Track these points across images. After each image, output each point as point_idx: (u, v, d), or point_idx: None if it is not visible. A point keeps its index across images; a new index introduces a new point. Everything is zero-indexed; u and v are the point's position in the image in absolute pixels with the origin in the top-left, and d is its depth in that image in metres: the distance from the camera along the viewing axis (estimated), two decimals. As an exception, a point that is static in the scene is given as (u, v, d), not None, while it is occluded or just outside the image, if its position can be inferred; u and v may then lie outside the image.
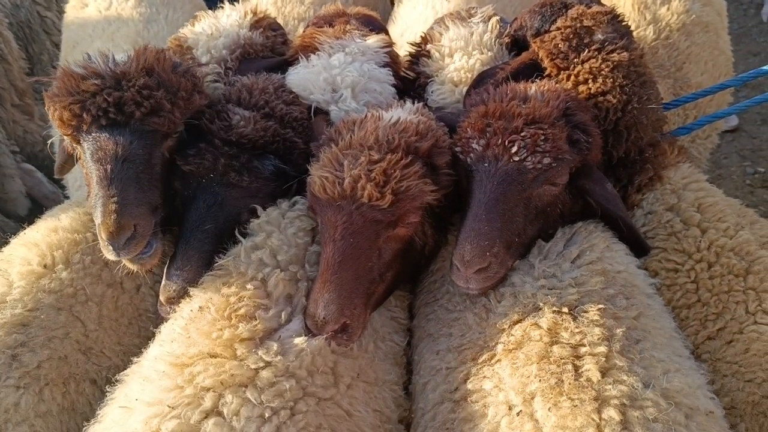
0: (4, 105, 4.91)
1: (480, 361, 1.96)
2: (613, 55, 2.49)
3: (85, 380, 2.20)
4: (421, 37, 3.00)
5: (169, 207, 2.34)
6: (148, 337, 2.16)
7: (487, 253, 2.02)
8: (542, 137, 2.12)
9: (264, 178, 2.32)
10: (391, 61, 2.77)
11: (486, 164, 2.13)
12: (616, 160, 2.52)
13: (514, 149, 2.10)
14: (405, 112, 2.31)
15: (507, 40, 2.88)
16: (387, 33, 3.10)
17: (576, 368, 1.80)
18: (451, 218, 2.38)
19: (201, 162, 2.27)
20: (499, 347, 1.94)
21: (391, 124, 2.20)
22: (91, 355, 2.23)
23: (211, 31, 2.90)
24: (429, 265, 2.40)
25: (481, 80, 2.63)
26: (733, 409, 2.08)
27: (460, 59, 2.76)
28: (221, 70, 2.79)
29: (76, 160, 2.43)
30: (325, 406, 1.80)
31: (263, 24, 3.05)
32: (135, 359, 1.99)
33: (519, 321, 1.97)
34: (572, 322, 1.91)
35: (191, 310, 1.99)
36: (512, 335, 1.95)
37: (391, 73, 2.70)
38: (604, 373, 1.77)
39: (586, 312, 1.94)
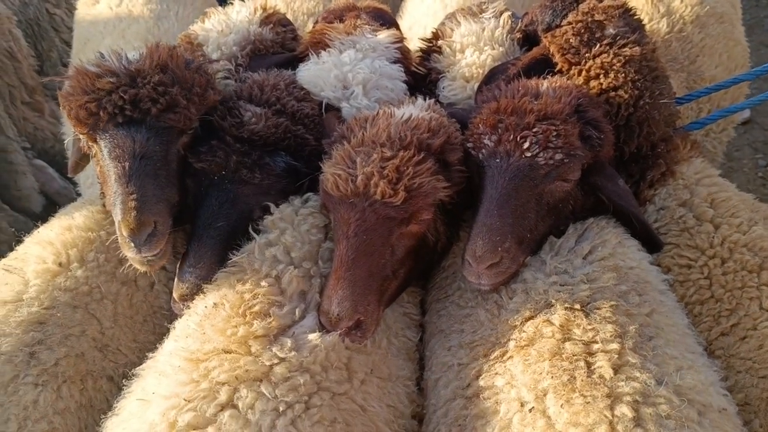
0: (15, 102, 4.94)
1: (492, 357, 1.96)
2: (624, 49, 2.47)
3: (102, 377, 2.22)
4: (432, 32, 3.00)
5: (183, 205, 2.36)
6: (162, 334, 2.18)
7: (499, 249, 2.02)
8: (554, 133, 2.11)
9: (276, 175, 2.32)
10: (402, 56, 2.77)
11: (498, 160, 2.13)
12: (628, 155, 2.51)
13: (526, 145, 2.10)
14: (417, 109, 2.31)
15: (518, 35, 2.87)
16: (398, 27, 3.10)
17: (588, 365, 1.80)
18: (463, 215, 2.38)
19: (213, 159, 2.28)
20: (511, 344, 1.95)
21: (403, 120, 2.20)
22: (107, 353, 2.25)
23: (221, 27, 2.91)
24: (441, 262, 2.41)
25: (492, 76, 2.63)
26: (747, 405, 2.07)
27: (471, 55, 2.76)
28: (232, 66, 2.81)
29: (92, 158, 2.45)
30: (339, 400, 1.82)
31: (273, 20, 3.05)
32: (150, 355, 2.02)
33: (531, 317, 1.98)
34: (584, 319, 1.91)
35: (206, 307, 2.00)
36: (524, 332, 1.95)
37: (402, 69, 2.70)
38: (616, 370, 1.77)
39: (598, 309, 1.94)
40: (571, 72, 2.53)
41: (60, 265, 2.32)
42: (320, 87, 2.60)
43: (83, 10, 4.14)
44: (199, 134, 2.37)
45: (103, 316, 2.28)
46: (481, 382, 1.93)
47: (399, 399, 2.05)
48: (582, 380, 1.76)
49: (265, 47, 2.93)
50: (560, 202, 2.21)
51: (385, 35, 2.74)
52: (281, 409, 1.69)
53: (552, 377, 1.79)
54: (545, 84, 2.34)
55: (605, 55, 2.48)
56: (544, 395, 1.77)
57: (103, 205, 2.50)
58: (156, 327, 2.39)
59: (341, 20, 2.90)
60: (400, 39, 2.83)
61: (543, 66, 2.59)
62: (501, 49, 2.79)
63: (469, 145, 2.24)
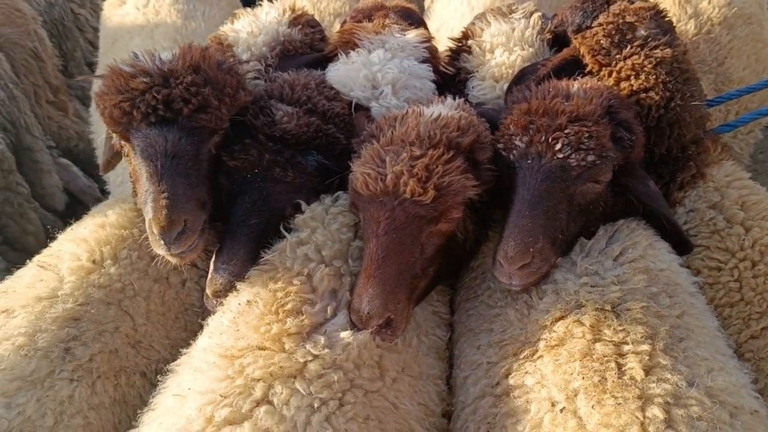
0: (40, 102, 4.99)
1: (521, 356, 1.98)
2: (656, 51, 2.47)
3: (135, 373, 2.25)
4: (462, 32, 3.01)
5: (214, 203, 2.38)
6: (194, 331, 2.22)
7: (531, 250, 2.03)
8: (586, 135, 2.12)
9: (307, 173, 2.35)
10: (431, 56, 2.79)
11: (529, 161, 2.14)
12: (658, 157, 2.51)
13: (558, 146, 2.11)
14: (446, 108, 2.32)
15: (548, 36, 2.88)
16: (425, 26, 3.12)
17: (619, 366, 1.81)
18: (492, 214, 2.39)
19: (246, 157, 2.31)
20: (541, 343, 1.96)
21: (433, 119, 2.21)
22: (140, 349, 2.29)
23: (251, 28, 2.94)
24: (470, 261, 2.42)
25: (522, 76, 2.64)
26: (778, 409, 2.07)
27: (501, 55, 2.77)
28: (262, 67, 2.84)
29: (124, 157, 2.48)
30: (372, 398, 1.84)
31: (302, 21, 3.08)
32: (183, 351, 2.05)
33: (561, 318, 1.99)
34: (615, 320, 1.92)
35: (239, 304, 2.03)
36: (554, 332, 1.96)
37: (430, 68, 2.72)
38: (647, 371, 1.78)
39: (629, 310, 1.94)
40: (602, 73, 2.54)
41: (94, 262, 2.36)
42: (350, 87, 2.63)
43: (110, 10, 4.20)
44: (231, 134, 2.40)
45: (136, 313, 2.31)
46: (511, 381, 1.94)
47: (430, 397, 2.06)
48: (613, 381, 1.77)
49: (294, 48, 2.96)
50: (591, 203, 2.22)
51: (413, 34, 2.76)
52: (316, 405, 1.72)
53: (583, 378, 1.80)
54: (576, 85, 2.34)
55: (636, 56, 2.49)
56: (575, 396, 1.78)
57: (136, 203, 2.54)
58: (188, 324, 2.42)
59: (370, 19, 2.93)
60: (429, 38, 2.85)
61: (573, 67, 2.60)
62: (531, 49, 2.80)
63: (500, 145, 2.24)
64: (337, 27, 3.45)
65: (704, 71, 3.29)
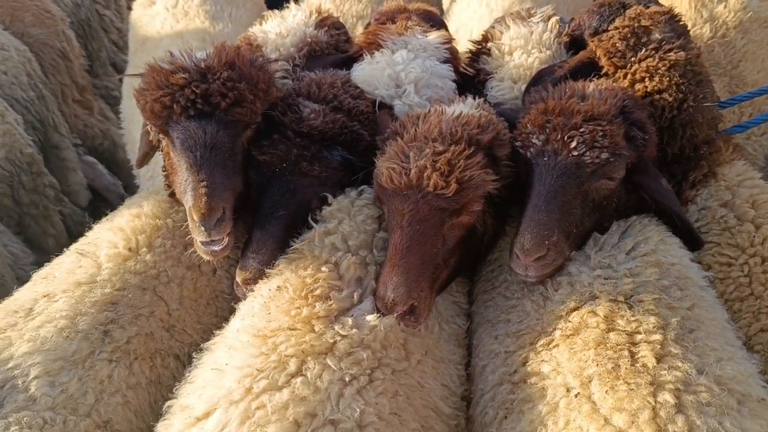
0: (66, 101, 5.13)
1: (538, 345, 2.07)
2: (670, 54, 2.56)
3: (169, 356, 2.36)
4: (482, 35, 3.11)
5: (244, 196, 2.49)
6: (224, 317, 2.33)
7: (546, 242, 2.13)
8: (600, 133, 2.20)
9: (333, 167, 2.46)
10: (452, 56, 2.89)
11: (546, 158, 2.24)
12: (671, 156, 2.59)
13: (573, 144, 2.20)
14: (467, 107, 2.43)
15: (565, 39, 2.97)
16: (446, 28, 3.21)
17: (632, 354, 1.89)
18: (509, 210, 2.48)
19: (275, 152, 2.42)
20: (557, 333, 2.05)
21: (454, 117, 2.31)
22: (174, 333, 2.40)
23: (279, 30, 3.06)
24: (488, 255, 2.51)
25: (539, 78, 2.73)
26: (786, 400, 2.15)
27: (519, 57, 2.87)
28: (289, 66, 2.95)
29: (160, 151, 2.60)
30: (399, 376, 1.95)
31: (328, 23, 3.20)
32: (216, 332, 2.17)
33: (576, 308, 2.08)
34: (628, 311, 2.00)
35: (269, 290, 2.14)
36: (569, 322, 2.05)
37: (451, 68, 2.82)
38: (659, 359, 1.86)
39: (641, 301, 2.03)
40: (617, 75, 2.62)
41: (130, 250, 2.48)
42: (374, 85, 2.73)
43: (139, 10, 4.33)
44: (262, 129, 2.51)
45: (169, 299, 2.43)
46: (528, 369, 2.03)
47: (451, 379, 2.17)
48: (626, 368, 1.85)
49: (320, 48, 3.07)
50: (605, 199, 2.30)
51: (435, 36, 2.87)
52: (347, 379, 1.84)
53: (597, 365, 1.89)
54: (591, 86, 2.43)
55: (651, 59, 2.57)
56: (590, 382, 1.87)
57: (169, 195, 2.65)
58: (218, 310, 2.53)
59: (393, 21, 3.03)
60: (449, 40, 2.95)
61: (589, 69, 2.69)
62: (548, 52, 2.89)
63: (518, 143, 2.34)
64: (360, 29, 3.56)
65: (718, 74, 3.36)
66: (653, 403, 1.75)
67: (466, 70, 2.97)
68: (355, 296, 2.11)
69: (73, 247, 2.61)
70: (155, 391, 2.29)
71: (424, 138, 2.24)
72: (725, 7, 3.53)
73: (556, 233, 2.16)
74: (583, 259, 2.24)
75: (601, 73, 2.67)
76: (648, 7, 2.75)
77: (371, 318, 2.02)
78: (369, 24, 3.22)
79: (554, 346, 2.02)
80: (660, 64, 2.54)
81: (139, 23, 4.25)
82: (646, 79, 2.55)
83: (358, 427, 1.77)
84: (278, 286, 2.14)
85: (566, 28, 3.00)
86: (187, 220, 2.40)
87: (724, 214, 2.48)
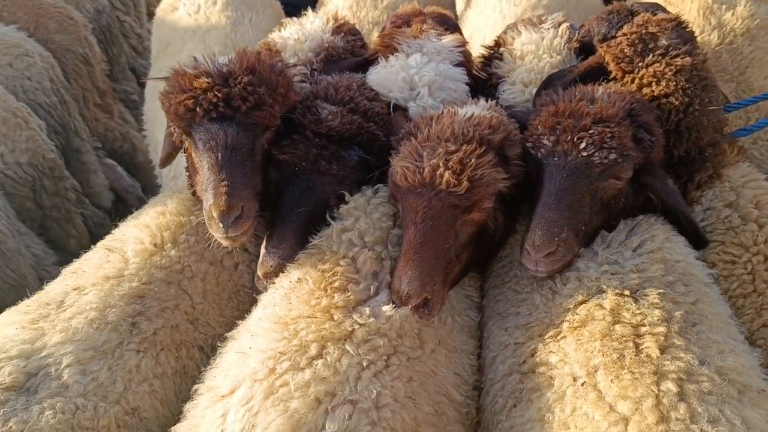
0: (88, 105, 5.24)
1: (546, 337, 2.15)
2: (676, 59, 2.64)
3: (193, 347, 2.46)
4: (494, 40, 3.21)
5: (263, 194, 2.60)
6: (246, 311, 2.42)
7: (556, 239, 2.21)
8: (609, 135, 2.29)
9: (350, 166, 2.56)
10: (465, 60, 2.99)
11: (556, 158, 2.32)
12: (677, 158, 2.66)
13: (583, 145, 2.29)
14: (479, 108, 2.52)
15: (575, 45, 3.05)
16: (460, 32, 3.31)
17: (636, 345, 1.97)
18: (519, 208, 2.57)
19: (295, 152, 2.53)
20: (565, 325, 2.13)
21: (466, 118, 2.41)
22: (198, 325, 2.50)
23: (298, 35, 3.17)
24: (498, 251, 2.60)
25: (550, 82, 2.81)
26: (786, 391, 2.22)
27: (530, 61, 2.96)
28: (307, 71, 3.06)
29: (183, 151, 2.72)
30: (413, 363, 2.05)
31: (344, 29, 3.31)
32: (239, 322, 2.28)
33: (583, 302, 2.16)
34: (633, 304, 2.08)
35: (290, 282, 2.25)
36: (577, 314, 2.13)
37: (464, 71, 2.92)
38: (662, 350, 1.94)
39: (646, 295, 2.11)
40: (625, 80, 2.71)
41: (155, 245, 2.58)
42: (389, 88, 2.83)
43: (162, 16, 4.46)
44: (282, 130, 2.62)
45: (194, 293, 2.53)
46: (537, 359, 2.11)
47: (464, 369, 2.26)
48: (630, 358, 1.93)
49: (337, 54, 3.18)
50: (613, 198, 2.39)
51: (449, 39, 2.96)
52: (365, 364, 1.94)
53: (603, 355, 1.97)
54: (600, 90, 2.52)
55: (658, 64, 2.65)
56: (595, 371, 1.95)
57: (192, 194, 2.76)
58: (240, 304, 2.63)
59: (408, 25, 3.13)
60: (463, 43, 3.05)
61: (598, 74, 2.77)
62: (558, 57, 2.97)
63: (529, 144, 2.43)
64: (375, 35, 3.66)
65: (726, 80, 3.43)
66: (656, 392, 1.83)
67: (479, 73, 3.07)
68: (371, 289, 2.20)
69: (101, 243, 2.71)
70: (180, 381, 2.39)
71: (437, 138, 2.33)
72: (733, 14, 3.61)
73: (566, 230, 2.25)
74: (591, 255, 2.32)
75: (610, 78, 2.75)
76: (655, 15, 2.83)
77: (387, 309, 2.12)
78: (385, 27, 3.31)
79: (562, 338, 2.11)
80: (666, 69, 2.62)
81: (162, 27, 4.38)
82: (653, 83, 2.63)
83: (374, 408, 1.87)
84: (298, 279, 2.24)
85: (576, 35, 3.09)
86: (210, 217, 2.50)
87: (729, 214, 2.55)
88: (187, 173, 2.79)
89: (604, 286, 2.16)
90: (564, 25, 3.09)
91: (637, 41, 2.72)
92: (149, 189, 5.45)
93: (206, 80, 2.45)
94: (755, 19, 3.59)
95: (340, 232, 2.37)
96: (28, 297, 2.48)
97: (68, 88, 4.74)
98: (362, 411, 1.85)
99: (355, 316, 2.07)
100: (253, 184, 2.46)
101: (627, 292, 2.13)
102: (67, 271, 2.60)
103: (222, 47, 3.67)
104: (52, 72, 4.52)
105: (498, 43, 3.16)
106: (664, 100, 2.60)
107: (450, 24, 3.25)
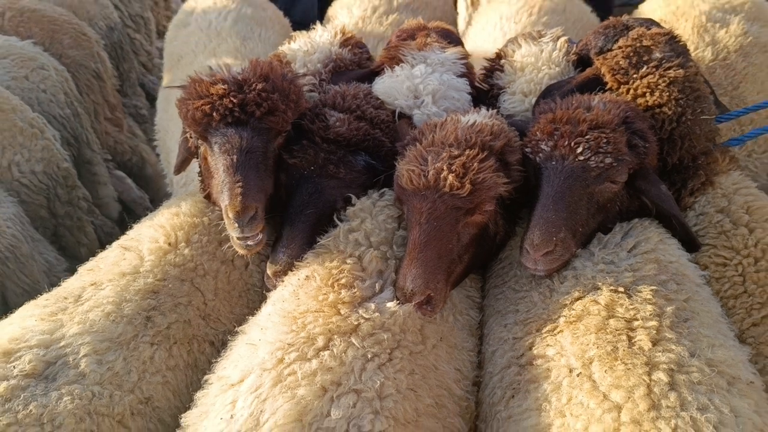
0: (99, 118, 5.35)
1: (544, 331, 2.24)
2: (669, 71, 2.75)
3: (205, 342, 2.55)
4: (496, 53, 3.34)
5: (275, 197, 2.70)
6: (255, 308, 2.50)
7: (554, 238, 2.31)
8: (605, 140, 2.40)
9: (357, 171, 2.67)
10: (467, 71, 3.12)
11: (554, 162, 2.43)
12: (671, 166, 2.77)
13: (580, 150, 2.39)
14: (480, 116, 2.63)
15: (573, 57, 3.18)
16: (463, 45, 3.44)
17: (630, 338, 2.05)
18: (519, 212, 2.68)
19: (304, 156, 2.64)
20: (561, 320, 2.22)
21: (469, 125, 2.52)
22: (209, 321, 2.59)
23: (307, 48, 3.31)
24: (498, 254, 2.70)
25: (548, 92, 2.93)
26: (775, 385, 2.31)
27: (530, 73, 3.08)
28: (316, 81, 3.19)
29: (198, 157, 2.83)
30: (416, 357, 2.13)
31: (351, 42, 3.45)
32: (249, 317, 2.37)
33: (579, 298, 2.25)
34: (627, 300, 2.18)
35: (298, 279, 2.35)
36: (573, 310, 2.22)
37: (467, 82, 3.04)
38: (654, 343, 2.02)
39: (639, 292, 2.20)
40: (620, 90, 2.82)
41: (170, 244, 2.68)
42: (394, 96, 2.95)
43: (175, 31, 4.61)
44: (292, 136, 2.74)
45: (206, 290, 2.62)
46: (534, 352, 2.20)
47: (464, 365, 2.34)
48: (624, 350, 2.01)
49: (344, 65, 3.31)
50: (608, 201, 2.49)
51: (452, 52, 3.09)
52: (369, 356, 2.02)
53: (597, 348, 2.06)
54: (596, 99, 2.63)
55: (651, 76, 2.77)
56: (590, 363, 2.03)
57: (205, 197, 2.87)
58: (249, 302, 2.72)
59: (413, 38, 3.26)
60: (466, 55, 3.17)
61: (595, 85, 2.88)
62: (557, 69, 3.10)
63: (528, 150, 2.53)
64: (380, 49, 3.80)
65: (720, 94, 3.54)
66: (648, 381, 1.91)
67: (480, 84, 3.19)
68: (376, 286, 2.30)
69: (116, 243, 2.82)
70: (192, 373, 2.47)
71: (441, 143, 2.44)
72: (726, 32, 3.75)
73: (563, 230, 2.34)
74: (588, 255, 2.42)
75: (606, 89, 2.87)
76: (649, 29, 2.96)
77: (391, 305, 2.21)
78: (390, 41, 3.45)
79: (559, 332, 2.19)
80: (660, 81, 2.74)
81: (174, 42, 4.52)
82: (647, 94, 2.74)
83: (378, 398, 1.95)
84: (306, 276, 2.34)
85: (574, 48, 3.22)
86: (221, 219, 2.61)
87: (720, 219, 2.65)
88: (200, 178, 2.91)
89: (600, 284, 2.26)
90: (562, 39, 3.22)
91: (632, 54, 2.84)
92: (157, 200, 5.56)
93: (222, 87, 2.57)
94: (748, 36, 3.73)
95: (347, 233, 2.47)
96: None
97: (81, 102, 4.86)
98: (366, 400, 1.94)
99: (360, 311, 2.16)
100: (266, 186, 2.56)
101: (621, 289, 2.22)
102: (83, 269, 2.70)
103: (232, 60, 3.80)
104: (66, 85, 4.64)
105: (499, 55, 3.30)
106: (657, 110, 2.72)
107: (453, 38, 3.38)
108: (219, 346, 2.56)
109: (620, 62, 2.85)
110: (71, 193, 4.20)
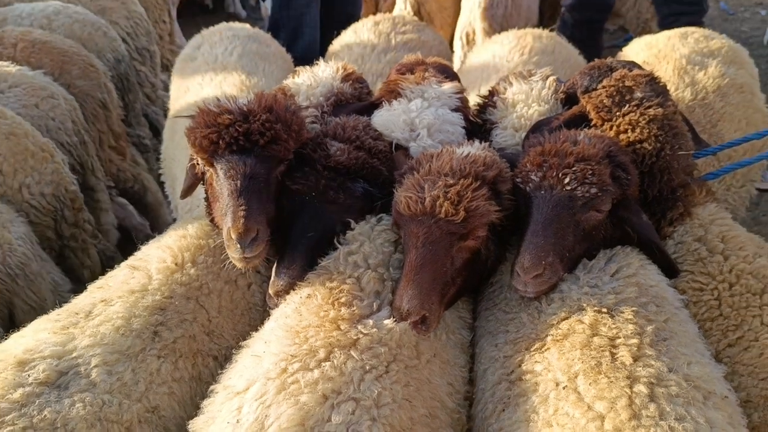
0: (103, 146, 5.45)
1: (532, 349, 2.36)
2: (649, 110, 2.94)
3: (208, 356, 2.67)
4: (489, 90, 3.53)
5: (277, 221, 2.85)
6: (256, 326, 2.62)
7: (543, 262, 2.46)
8: (590, 171, 2.56)
9: (356, 197, 2.81)
10: (462, 105, 3.28)
11: (543, 192, 2.59)
12: (652, 197, 2.92)
13: (567, 180, 2.55)
14: (474, 148, 2.79)
15: (561, 95, 3.36)
16: (459, 80, 3.64)
17: (612, 354, 2.19)
18: (509, 239, 2.83)
19: (306, 182, 2.79)
20: (549, 338, 2.35)
21: (463, 156, 2.68)
22: (213, 337, 2.71)
23: (310, 82, 3.49)
24: (490, 278, 2.85)
25: (537, 127, 3.11)
26: (749, 402, 2.45)
27: (521, 109, 3.26)
28: (318, 113, 3.36)
29: (204, 182, 2.98)
30: (410, 371, 2.25)
31: (352, 77, 3.63)
32: (253, 333, 2.50)
33: (566, 318, 2.38)
34: (610, 320, 2.31)
35: (300, 297, 2.48)
36: (560, 329, 2.35)
37: (461, 116, 3.21)
38: (635, 359, 2.16)
39: (622, 312, 2.34)
40: (604, 127, 2.99)
41: (177, 264, 2.81)
42: (391, 129, 3.11)
43: (182, 65, 4.80)
44: (294, 164, 2.90)
45: (210, 308, 2.75)
46: (523, 368, 2.32)
47: (456, 380, 2.47)
48: (607, 365, 2.15)
49: (345, 99, 3.49)
50: (593, 229, 2.64)
51: (448, 86, 3.27)
52: (367, 368, 2.15)
53: (582, 363, 2.19)
54: (582, 134, 2.80)
55: (633, 114, 2.95)
56: (576, 377, 2.16)
57: (210, 221, 3.02)
58: (251, 320, 2.85)
59: (411, 72, 3.44)
60: (461, 90, 3.35)
61: (581, 121, 3.07)
62: (546, 106, 3.28)
63: (518, 180, 2.70)
64: (378, 84, 4.00)
65: (699, 131, 3.72)
66: (629, 393, 2.04)
67: (474, 119, 3.38)
68: (374, 305, 2.43)
69: (124, 263, 2.95)
70: (196, 386, 2.59)
71: (437, 173, 2.60)
72: (705, 74, 3.97)
73: (552, 255, 2.50)
74: (574, 279, 2.56)
75: (591, 125, 3.05)
76: (631, 71, 3.16)
77: (388, 322, 2.34)
78: (390, 74, 3.64)
79: (546, 349, 2.33)
80: (641, 118, 2.92)
81: (182, 74, 4.69)
82: (629, 130, 2.92)
83: (375, 406, 2.07)
84: (308, 295, 2.48)
85: (562, 87, 3.42)
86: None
87: (698, 247, 2.81)
88: (206, 202, 3.05)
89: (585, 305, 2.39)
90: (551, 78, 3.42)
91: (615, 93, 3.03)
92: (156, 228, 5.70)
93: (228, 117, 2.72)
94: (725, 78, 3.96)
95: (346, 255, 2.61)
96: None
97: (87, 130, 5.00)
98: (364, 408, 2.06)
99: (359, 327, 2.30)
100: (267, 210, 2.70)
101: (604, 310, 2.36)
102: (93, 287, 2.83)
103: (237, 93, 3.98)
104: (74, 114, 4.78)
105: (492, 93, 3.49)
106: (638, 146, 2.89)
107: (449, 73, 3.57)
108: (222, 360, 2.68)
109: (604, 101, 3.04)
110: (77, 216, 4.31)
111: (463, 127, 3.20)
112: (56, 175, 4.15)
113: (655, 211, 2.94)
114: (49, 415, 2.18)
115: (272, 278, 2.72)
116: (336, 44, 5.26)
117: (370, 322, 2.32)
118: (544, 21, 7.94)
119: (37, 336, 2.47)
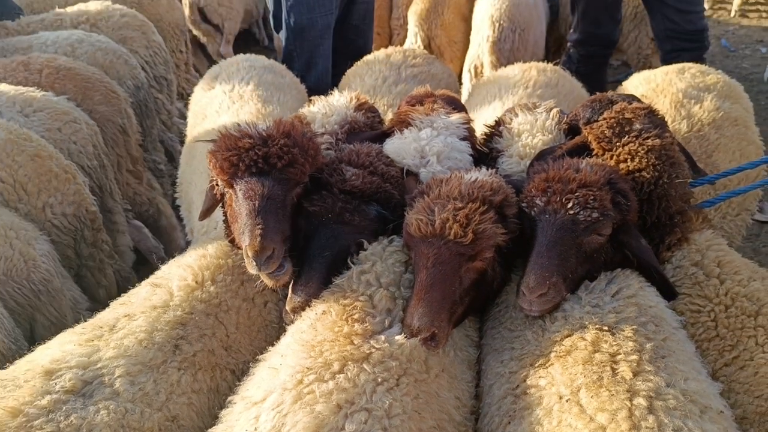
0: (121, 170, 5.62)
1: (536, 365, 2.48)
2: (648, 140, 3.09)
3: (226, 370, 2.78)
4: (495, 120, 3.70)
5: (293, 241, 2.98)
6: (272, 341, 2.73)
7: (547, 282, 2.58)
8: (592, 197, 2.69)
9: (369, 219, 2.95)
10: (469, 135, 3.44)
11: (547, 216, 2.73)
12: (650, 223, 3.05)
13: (570, 205, 2.69)
14: (481, 174, 2.93)
15: (564, 126, 3.53)
16: (466, 111, 3.80)
17: (613, 369, 2.30)
18: (515, 261, 2.96)
19: (323, 204, 2.93)
20: (552, 354, 2.46)
21: (471, 181, 2.82)
22: (231, 351, 2.83)
23: (326, 110, 3.66)
24: (495, 298, 2.97)
25: (541, 156, 3.27)
26: (745, 419, 2.55)
27: (526, 138, 3.42)
28: (333, 140, 3.52)
29: (223, 205, 3.13)
30: (420, 384, 2.36)
31: (365, 107, 3.81)
32: (269, 348, 2.62)
33: (568, 335, 2.50)
34: (611, 337, 2.43)
35: (316, 314, 2.61)
36: (563, 345, 2.47)
37: (469, 145, 3.37)
38: (635, 374, 2.27)
39: (622, 330, 2.45)
40: (605, 156, 3.14)
41: (197, 282, 2.94)
42: (402, 156, 3.27)
43: (200, 93, 4.98)
44: (310, 187, 3.04)
45: (228, 324, 2.87)
46: (528, 383, 2.43)
47: (462, 394, 2.57)
48: (608, 379, 2.26)
49: (358, 127, 3.65)
50: (595, 252, 2.77)
51: (456, 117, 3.43)
52: (379, 380, 2.26)
53: (584, 377, 2.30)
54: (584, 162, 2.94)
55: (632, 144, 3.09)
56: (578, 390, 2.27)
57: (229, 242, 3.16)
58: (267, 336, 2.96)
59: (421, 104, 3.61)
60: (468, 121, 3.52)
61: (583, 150, 3.21)
62: (550, 135, 3.44)
63: (524, 205, 2.84)
64: (389, 115, 4.17)
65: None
66: (629, 405, 2.14)
67: (481, 147, 3.54)
68: (386, 322, 2.55)
69: (146, 281, 3.08)
70: (214, 397, 2.70)
71: (447, 197, 2.74)
72: (700, 107, 4.13)
73: (555, 275, 2.62)
74: (576, 299, 2.68)
75: (592, 155, 3.19)
76: (631, 104, 3.32)
77: (399, 338, 2.46)
78: (400, 105, 3.81)
79: (550, 365, 2.44)
80: (639, 149, 3.06)
81: (200, 102, 4.86)
82: (628, 159, 3.06)
83: (386, 416, 2.18)
84: (323, 311, 2.60)
85: (565, 118, 3.58)
86: (243, 260, 2.89)
87: (695, 272, 2.94)
88: (225, 223, 3.19)
89: (587, 323, 2.51)
90: (555, 110, 3.58)
91: (615, 125, 3.18)
92: (169, 251, 5.83)
93: (248, 141, 2.88)
94: (720, 111, 4.12)
95: (359, 274, 2.74)
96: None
97: (107, 154, 5.17)
98: (376, 417, 2.17)
99: (372, 342, 2.42)
100: (283, 230, 2.83)
101: (606, 328, 2.47)
102: (116, 303, 2.95)
103: (254, 121, 4.14)
104: (95, 138, 4.95)
105: (498, 123, 3.65)
106: (637, 174, 3.03)
107: (457, 104, 3.74)
108: (239, 374, 2.79)
109: (605, 131, 3.19)
110: (96, 236, 4.44)
111: (471, 155, 3.36)
112: (78, 196, 4.31)
113: (653, 237, 3.08)
114: (75, 420, 2.29)
115: (289, 295, 2.84)
116: (349, 75, 5.46)
117: (382, 337, 2.44)
118: (549, 55, 8.19)
119: (63, 347, 2.60)
